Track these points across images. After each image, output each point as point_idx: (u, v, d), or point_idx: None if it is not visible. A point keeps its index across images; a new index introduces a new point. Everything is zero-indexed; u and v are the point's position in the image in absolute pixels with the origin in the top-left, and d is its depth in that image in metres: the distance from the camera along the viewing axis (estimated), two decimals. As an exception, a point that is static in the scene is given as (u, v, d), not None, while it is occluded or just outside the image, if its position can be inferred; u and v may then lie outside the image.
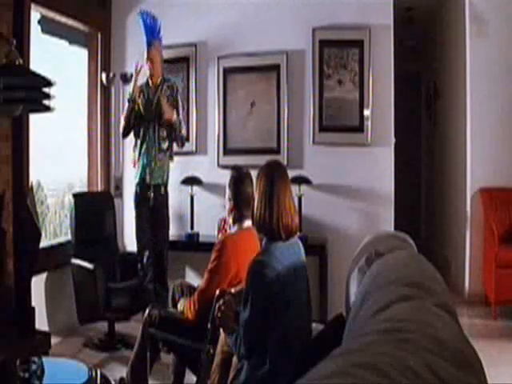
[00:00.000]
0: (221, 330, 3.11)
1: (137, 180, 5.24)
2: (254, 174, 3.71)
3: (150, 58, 5.30)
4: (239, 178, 3.65)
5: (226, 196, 3.69)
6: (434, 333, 1.24)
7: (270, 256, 2.66)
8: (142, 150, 5.20)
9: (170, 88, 5.36)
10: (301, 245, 2.94)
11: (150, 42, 5.35)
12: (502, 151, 6.14)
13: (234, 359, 2.91)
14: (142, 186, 5.22)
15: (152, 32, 5.39)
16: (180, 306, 3.74)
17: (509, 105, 6.13)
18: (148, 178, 5.18)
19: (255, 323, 2.62)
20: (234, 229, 3.69)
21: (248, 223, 3.63)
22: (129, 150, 5.84)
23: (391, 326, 1.30)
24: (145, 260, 5.15)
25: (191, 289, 4.06)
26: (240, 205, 3.60)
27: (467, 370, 1.12)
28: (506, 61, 6.12)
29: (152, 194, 5.21)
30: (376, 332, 1.29)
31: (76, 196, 5.31)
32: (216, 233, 5.41)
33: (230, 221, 3.71)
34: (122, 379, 3.94)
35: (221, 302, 2.92)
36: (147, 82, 5.36)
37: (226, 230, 3.97)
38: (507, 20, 6.11)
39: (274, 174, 2.82)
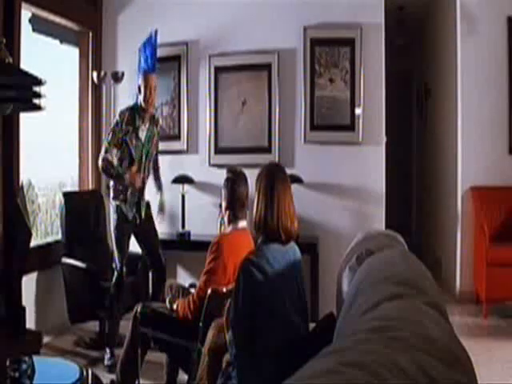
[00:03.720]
0: (209, 330, 3.12)
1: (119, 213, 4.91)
2: (246, 172, 3.74)
3: (150, 85, 4.91)
4: (233, 179, 3.66)
5: (222, 196, 3.70)
6: (423, 331, 1.24)
7: (260, 257, 2.64)
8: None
9: (156, 125, 5.12)
10: (297, 251, 2.91)
11: (154, 69, 5.14)
12: (493, 150, 6.16)
13: (225, 358, 2.91)
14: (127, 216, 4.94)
15: (154, 60, 5.22)
16: (175, 306, 3.74)
17: (499, 103, 6.15)
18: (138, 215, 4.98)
19: (242, 323, 2.60)
20: (229, 229, 3.69)
21: (242, 224, 3.65)
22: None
23: (381, 325, 1.30)
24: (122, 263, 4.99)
25: (183, 289, 4.06)
26: (234, 206, 3.61)
27: (457, 368, 1.12)
28: (496, 60, 6.14)
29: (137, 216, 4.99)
30: (365, 330, 1.29)
31: (66, 195, 5.29)
32: (218, 226, 5.29)
33: (226, 220, 3.71)
34: (112, 382, 3.95)
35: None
36: (137, 112, 4.92)
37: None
38: (498, 19, 6.13)
39: (274, 175, 2.82)
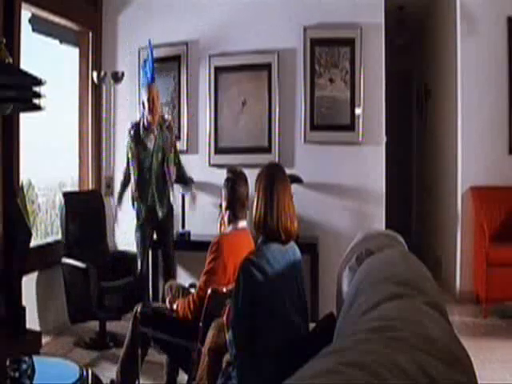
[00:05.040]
0: (209, 330, 3.12)
1: (143, 216, 5.22)
2: (246, 172, 3.74)
3: (152, 96, 5.09)
4: (234, 179, 3.66)
5: (222, 196, 3.70)
6: (424, 331, 1.24)
7: (260, 257, 2.64)
8: (147, 189, 5.18)
9: (169, 129, 5.26)
10: (297, 251, 2.90)
11: (153, 79, 5.25)
12: (493, 150, 6.16)
13: (225, 358, 2.91)
14: (149, 216, 5.23)
15: (153, 71, 5.32)
16: (175, 306, 3.74)
17: (499, 103, 6.15)
18: (160, 213, 5.20)
19: (242, 323, 2.60)
20: (229, 229, 3.69)
21: (242, 224, 3.65)
22: (119, 149, 5.87)
23: (381, 325, 1.30)
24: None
25: (183, 289, 4.06)
26: (234, 206, 3.62)
27: (457, 368, 1.12)
28: (496, 60, 6.14)
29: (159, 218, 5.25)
30: (365, 330, 1.29)
31: (66, 195, 5.28)
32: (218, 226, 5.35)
33: (226, 220, 3.71)
34: (112, 382, 3.94)
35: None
36: (141, 126, 5.18)
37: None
38: (498, 19, 6.12)
39: (274, 175, 2.82)
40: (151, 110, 5.09)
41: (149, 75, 5.28)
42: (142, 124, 5.18)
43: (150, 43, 5.44)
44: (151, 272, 5.72)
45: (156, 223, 5.25)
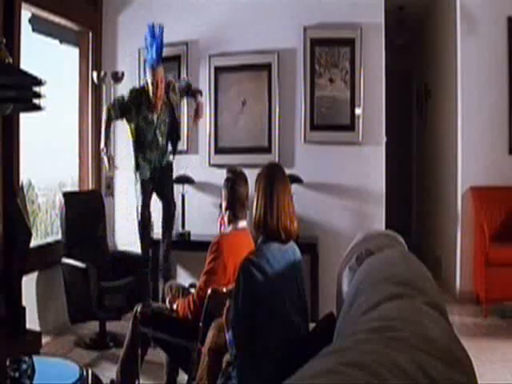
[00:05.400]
0: (209, 330, 3.12)
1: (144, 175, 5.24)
2: (246, 172, 3.74)
3: (157, 80, 5.02)
4: (234, 179, 3.66)
5: (222, 196, 3.70)
6: (423, 331, 1.24)
7: (260, 257, 2.64)
8: (144, 159, 5.22)
9: (173, 92, 5.30)
10: (297, 251, 2.89)
11: (159, 62, 5.16)
12: (493, 150, 6.16)
13: (225, 358, 2.90)
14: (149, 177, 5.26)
15: (158, 54, 5.24)
16: (175, 306, 3.74)
17: (499, 104, 6.15)
18: (157, 174, 5.26)
19: (242, 323, 2.60)
20: (229, 229, 3.69)
21: (242, 224, 3.65)
22: (119, 149, 5.87)
23: (381, 325, 1.30)
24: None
25: (183, 289, 4.06)
26: (234, 206, 3.62)
27: (457, 368, 1.12)
28: (496, 60, 6.14)
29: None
30: (365, 330, 1.29)
31: (66, 195, 5.28)
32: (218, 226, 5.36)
33: (226, 220, 3.71)
34: (112, 382, 3.94)
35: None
36: (147, 102, 5.13)
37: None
38: (498, 19, 6.12)
39: (274, 175, 2.82)
40: (155, 94, 5.07)
41: (153, 58, 5.13)
42: (144, 99, 5.13)
43: (160, 29, 5.23)
44: (151, 272, 5.71)
45: (156, 178, 5.28)
